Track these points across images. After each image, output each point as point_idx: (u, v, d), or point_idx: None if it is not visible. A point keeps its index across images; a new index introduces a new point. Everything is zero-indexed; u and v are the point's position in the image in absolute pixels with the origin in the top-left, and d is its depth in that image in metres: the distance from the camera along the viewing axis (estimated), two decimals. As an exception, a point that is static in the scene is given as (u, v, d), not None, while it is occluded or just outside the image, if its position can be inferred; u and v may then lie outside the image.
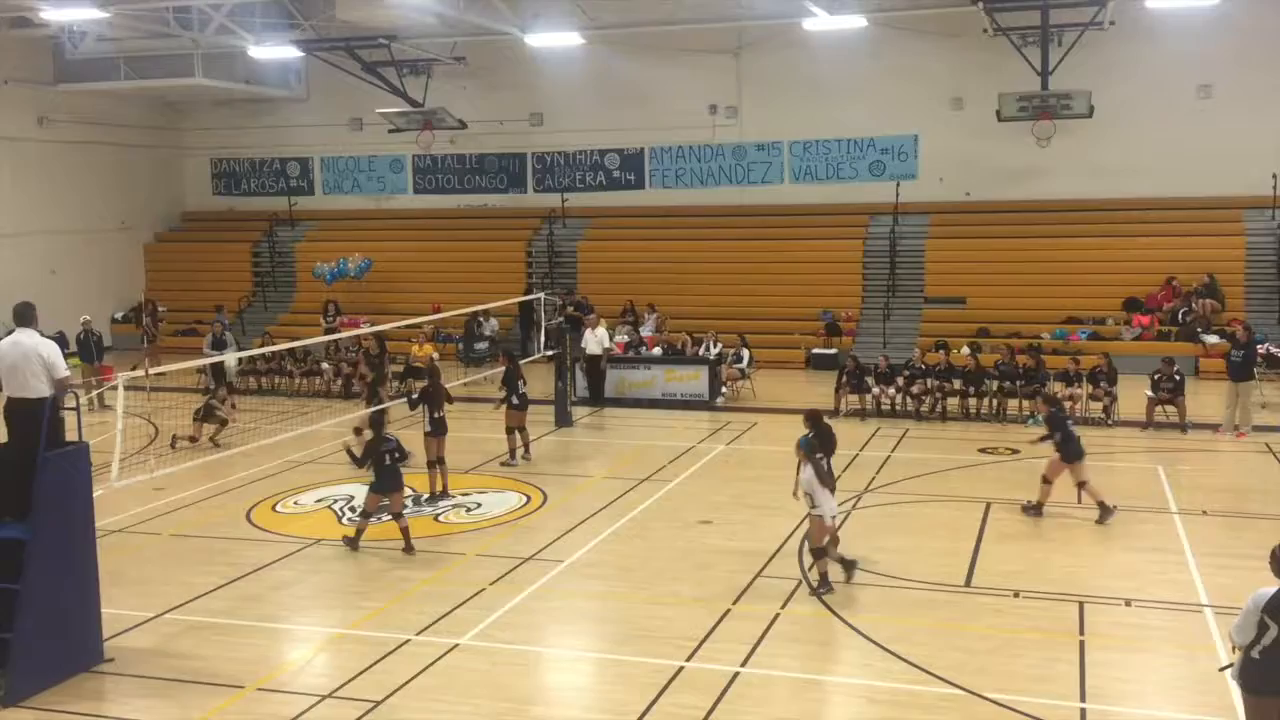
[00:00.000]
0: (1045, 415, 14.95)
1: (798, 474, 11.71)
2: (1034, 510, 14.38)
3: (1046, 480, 14.38)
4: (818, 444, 12.15)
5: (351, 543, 13.36)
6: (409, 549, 13.15)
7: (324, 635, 10.88)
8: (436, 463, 15.73)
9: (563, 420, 20.58)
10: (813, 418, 12.58)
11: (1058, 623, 10.84)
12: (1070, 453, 14.18)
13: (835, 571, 11.85)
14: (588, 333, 22.95)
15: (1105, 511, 14.03)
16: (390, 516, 13.40)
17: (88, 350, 23.25)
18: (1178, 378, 19.68)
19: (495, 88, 31.62)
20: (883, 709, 9.11)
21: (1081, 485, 14.24)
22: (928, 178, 29.56)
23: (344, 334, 24.09)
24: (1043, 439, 14.64)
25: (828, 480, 11.64)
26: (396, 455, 13.24)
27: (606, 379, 22.91)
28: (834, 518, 11.74)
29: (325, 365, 24.26)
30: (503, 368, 18.09)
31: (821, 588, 11.60)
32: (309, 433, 18.16)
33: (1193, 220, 27.60)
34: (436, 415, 15.74)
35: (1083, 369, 20.68)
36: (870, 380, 21.26)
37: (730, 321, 26.25)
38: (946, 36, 27.73)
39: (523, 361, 18.96)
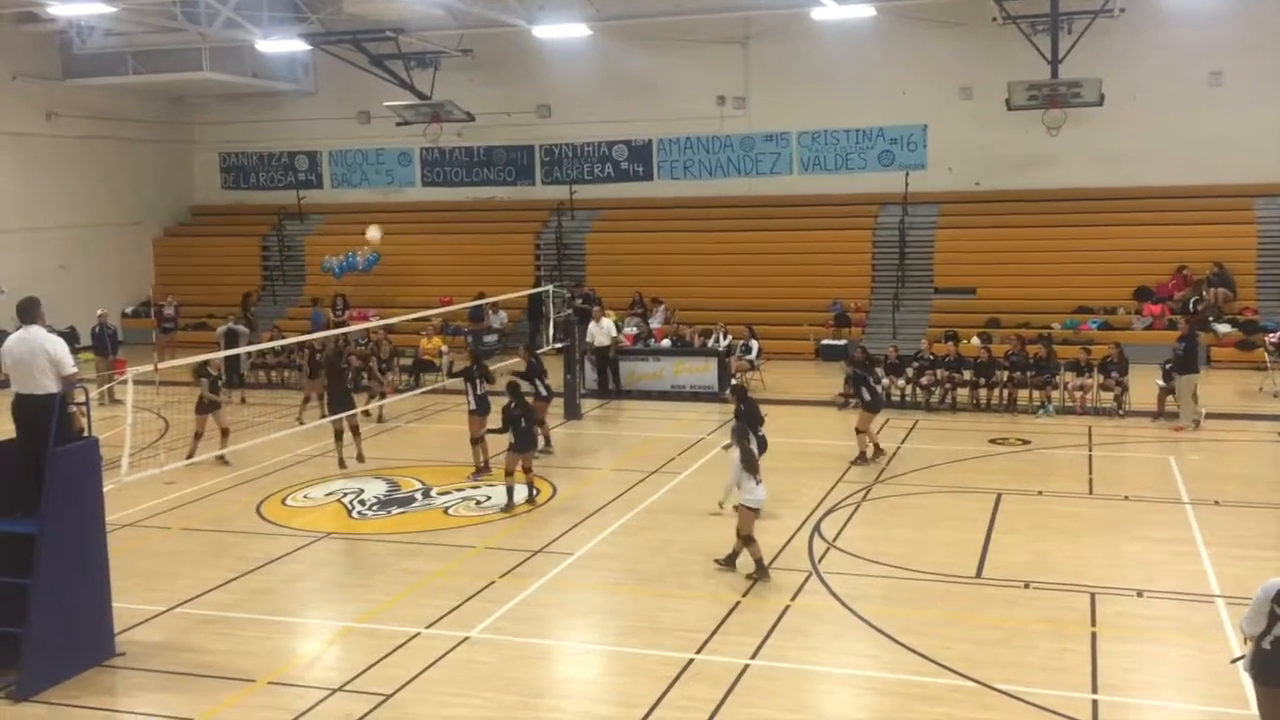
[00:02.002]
0: (849, 375, 17.48)
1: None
2: (862, 461, 16.53)
3: (860, 431, 16.64)
4: (743, 414, 13.82)
5: (507, 507, 14.49)
6: (532, 498, 14.78)
7: (334, 629, 10.89)
8: (478, 440, 16.45)
9: (572, 413, 20.57)
10: (737, 392, 14.45)
11: (1069, 614, 10.81)
12: (874, 405, 16.90)
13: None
14: (592, 325, 22.91)
15: (877, 453, 16.62)
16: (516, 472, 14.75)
17: (102, 344, 23.32)
18: (1189, 368, 19.59)
19: (503, 80, 31.57)
20: (893, 700, 9.09)
21: (863, 432, 16.61)
22: (937, 167, 29.45)
23: (353, 327, 24.10)
24: (845, 398, 17.39)
25: (750, 467, 11.78)
26: (529, 420, 14.88)
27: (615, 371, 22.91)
28: (755, 506, 11.93)
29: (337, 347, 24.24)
30: (509, 359, 18.26)
31: (725, 562, 11.93)
32: (319, 426, 18.16)
33: (1204, 208, 27.45)
34: (479, 393, 16.49)
35: (1094, 359, 20.62)
36: (880, 371, 21.18)
37: (739, 313, 26.19)
38: (955, 25, 27.58)
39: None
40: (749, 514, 11.86)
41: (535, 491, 15.04)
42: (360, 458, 16.92)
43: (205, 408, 17.42)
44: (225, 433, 17.49)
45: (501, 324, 28.43)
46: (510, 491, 14.63)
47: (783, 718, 8.82)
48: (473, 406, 16.50)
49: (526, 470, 14.82)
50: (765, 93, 30.37)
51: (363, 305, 29.78)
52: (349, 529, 14.13)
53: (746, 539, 11.86)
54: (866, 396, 16.90)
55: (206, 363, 17.84)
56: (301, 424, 18.87)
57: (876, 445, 16.88)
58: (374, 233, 27.69)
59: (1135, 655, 9.91)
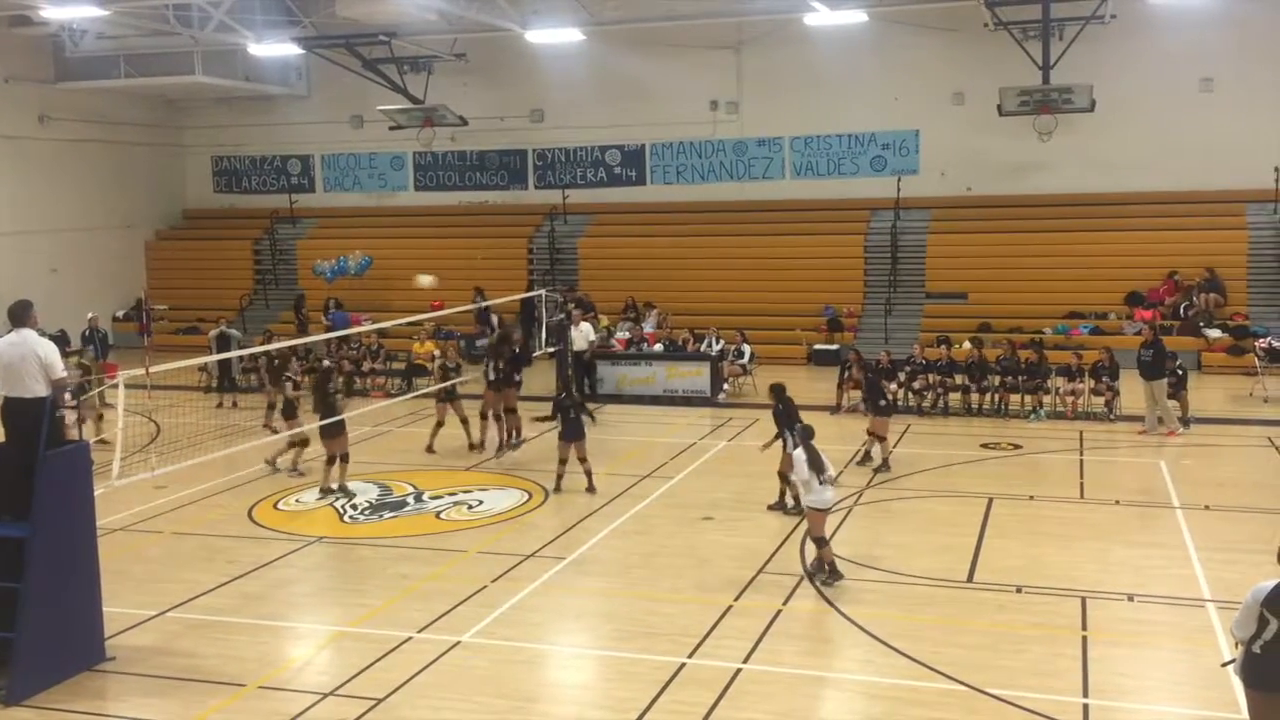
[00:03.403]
0: (864, 383, 17.44)
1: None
2: (868, 459, 16.61)
3: (872, 434, 16.65)
4: (781, 413, 13.95)
5: (556, 489, 15.36)
6: (591, 489, 15.27)
7: (325, 633, 10.87)
8: (483, 416, 17.60)
9: (565, 417, 20.54)
10: (776, 390, 14.21)
11: (1060, 618, 10.83)
12: (887, 410, 16.98)
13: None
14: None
15: (869, 461, 16.60)
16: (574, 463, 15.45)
17: (93, 347, 23.28)
18: (1180, 372, 19.64)
19: (496, 84, 31.58)
20: (884, 705, 9.10)
21: (882, 440, 16.61)
22: (929, 173, 29.53)
23: (349, 330, 24.04)
24: (862, 408, 17.35)
25: (816, 467, 11.71)
26: (577, 410, 15.55)
27: (605, 376, 22.89)
28: (823, 507, 11.87)
29: (326, 363, 24.17)
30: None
31: (832, 577, 11.66)
32: (310, 429, 18.09)
33: (1195, 214, 27.55)
34: (499, 369, 17.55)
35: (1085, 364, 20.67)
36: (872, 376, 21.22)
37: (732, 317, 26.23)
38: (947, 31, 27.67)
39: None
40: (817, 515, 11.81)
41: (592, 489, 15.38)
42: (344, 489, 15.70)
43: (292, 413, 17.24)
44: (305, 443, 16.99)
45: (496, 328, 28.37)
46: (559, 478, 15.37)
47: (774, 722, 8.82)
48: (491, 377, 17.53)
49: (582, 459, 15.36)
50: (758, 98, 30.42)
51: (355, 309, 29.72)
52: (341, 533, 14.09)
53: (818, 541, 11.82)
54: (881, 402, 16.90)
55: (285, 366, 17.97)
56: (274, 433, 18.53)
57: (880, 457, 16.75)
58: (425, 280, 27.90)
59: (1126, 659, 9.93)
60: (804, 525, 13.72)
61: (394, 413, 21.10)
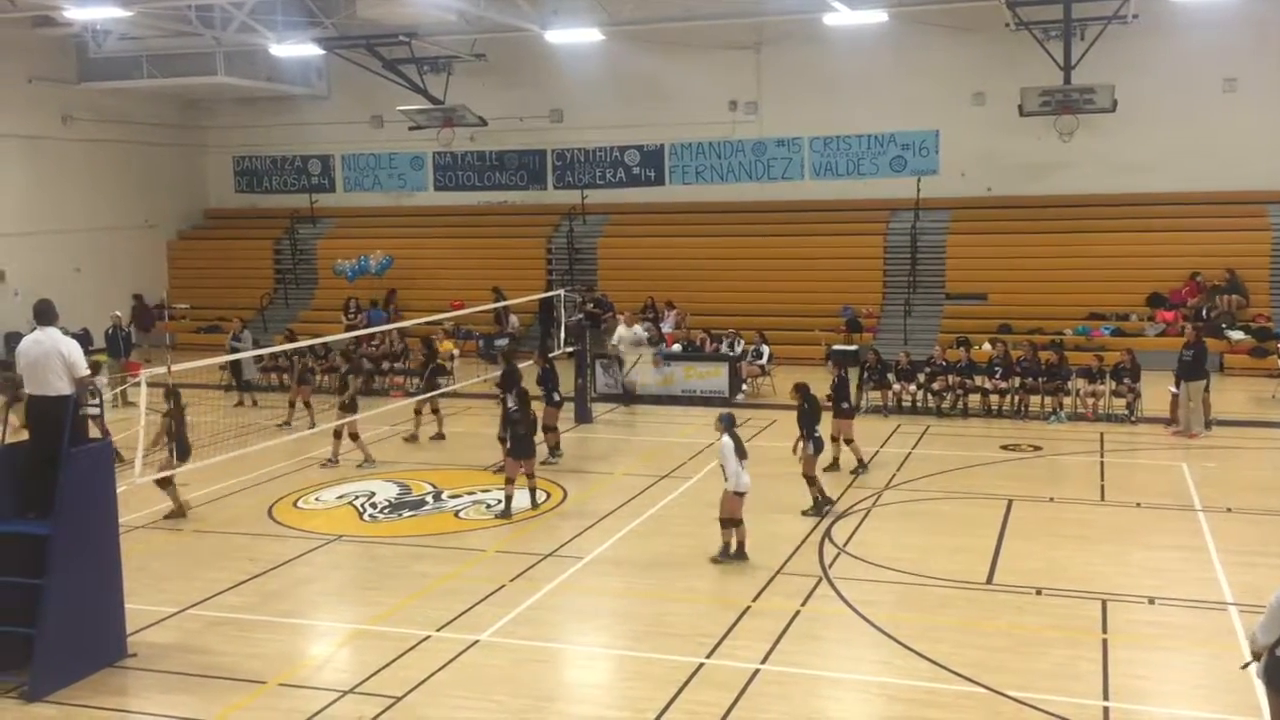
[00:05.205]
0: (834, 379, 16.65)
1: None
2: (862, 469, 16.37)
3: (836, 439, 16.31)
4: (805, 413, 14.23)
5: (504, 514, 14.49)
6: (535, 504, 14.87)
7: (345, 631, 10.92)
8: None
9: (583, 417, 20.59)
10: (801, 389, 14.33)
11: (1080, 621, 10.78)
12: (850, 413, 16.60)
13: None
14: (622, 329, 22.86)
15: (860, 465, 16.47)
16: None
17: (115, 346, 23.41)
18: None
19: (515, 84, 31.63)
20: (903, 707, 9.07)
21: (849, 442, 16.40)
22: (949, 173, 29.41)
23: (365, 330, 24.12)
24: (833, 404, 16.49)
25: (742, 454, 12.29)
26: (528, 428, 15.01)
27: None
28: (745, 490, 12.44)
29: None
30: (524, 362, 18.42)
31: (722, 555, 12.40)
32: (331, 428, 18.17)
33: (1217, 215, 27.36)
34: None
35: (1106, 365, 20.57)
36: (891, 376, 21.20)
37: (750, 318, 26.20)
38: (968, 31, 27.56)
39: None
40: (737, 500, 12.34)
41: (545, 495, 15.14)
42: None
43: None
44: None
45: (514, 328, 28.44)
46: (509, 498, 14.63)
47: (792, 723, 8.81)
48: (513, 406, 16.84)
49: (530, 476, 14.91)
50: (777, 98, 30.37)
51: (373, 309, 29.79)
52: (360, 532, 14.15)
53: (734, 522, 12.40)
54: (844, 404, 16.52)
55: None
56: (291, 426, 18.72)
57: (855, 458, 16.60)
58: None
59: (1147, 662, 9.88)
60: (823, 526, 13.78)
61: (412, 412, 21.11)
